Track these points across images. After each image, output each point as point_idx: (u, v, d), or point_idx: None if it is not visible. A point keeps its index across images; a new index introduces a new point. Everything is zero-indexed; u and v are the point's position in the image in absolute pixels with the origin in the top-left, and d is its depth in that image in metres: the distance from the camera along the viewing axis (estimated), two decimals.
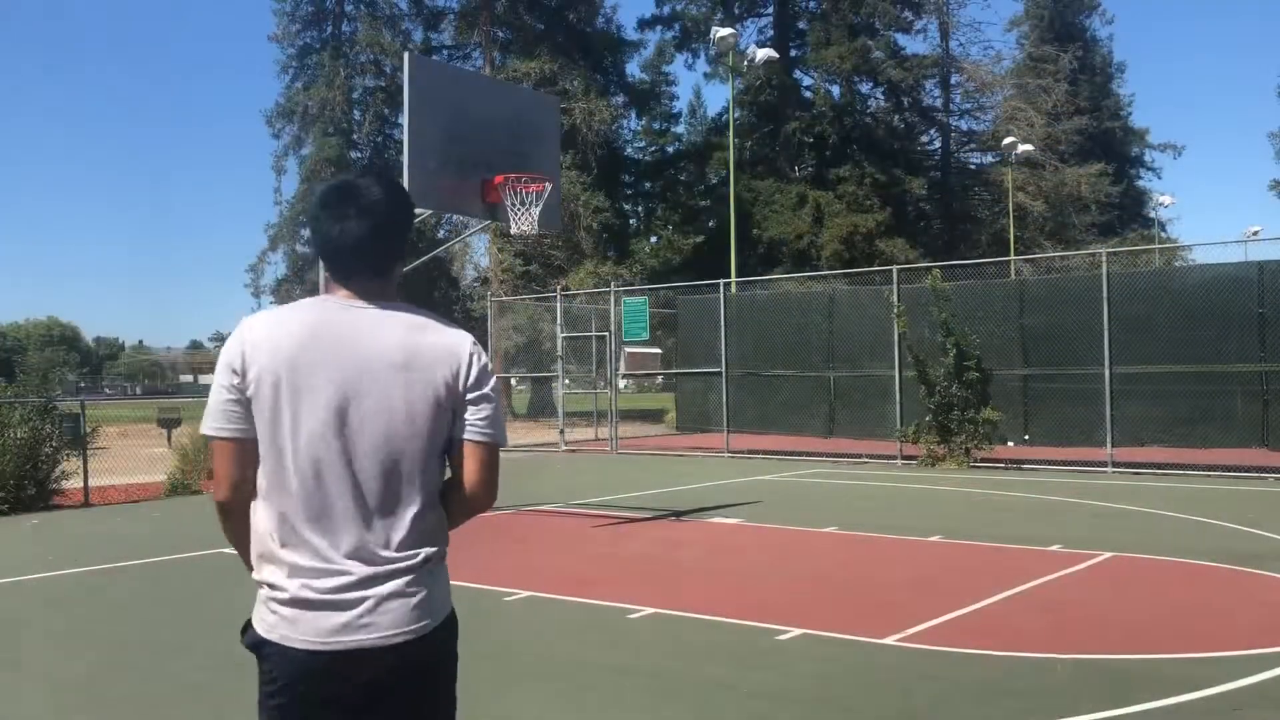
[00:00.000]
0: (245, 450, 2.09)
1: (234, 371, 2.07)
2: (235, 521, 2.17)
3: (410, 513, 2.10)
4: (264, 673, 2.11)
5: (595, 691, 5.03)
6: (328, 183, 2.21)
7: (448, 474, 2.21)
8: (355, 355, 2.07)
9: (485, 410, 2.15)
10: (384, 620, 2.05)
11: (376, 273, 2.15)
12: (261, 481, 2.09)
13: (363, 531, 2.07)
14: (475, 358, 2.16)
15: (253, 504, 2.11)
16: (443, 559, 2.18)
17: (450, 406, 2.14)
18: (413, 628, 2.08)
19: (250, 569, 2.15)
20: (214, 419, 2.09)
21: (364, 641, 2.04)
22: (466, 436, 2.15)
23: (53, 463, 13.02)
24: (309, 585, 2.04)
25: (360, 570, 2.05)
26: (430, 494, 2.14)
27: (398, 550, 2.08)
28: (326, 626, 2.04)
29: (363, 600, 2.05)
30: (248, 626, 2.15)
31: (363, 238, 2.12)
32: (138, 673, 5.51)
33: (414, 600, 2.08)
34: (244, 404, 2.08)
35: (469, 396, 2.14)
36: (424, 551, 2.11)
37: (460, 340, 2.17)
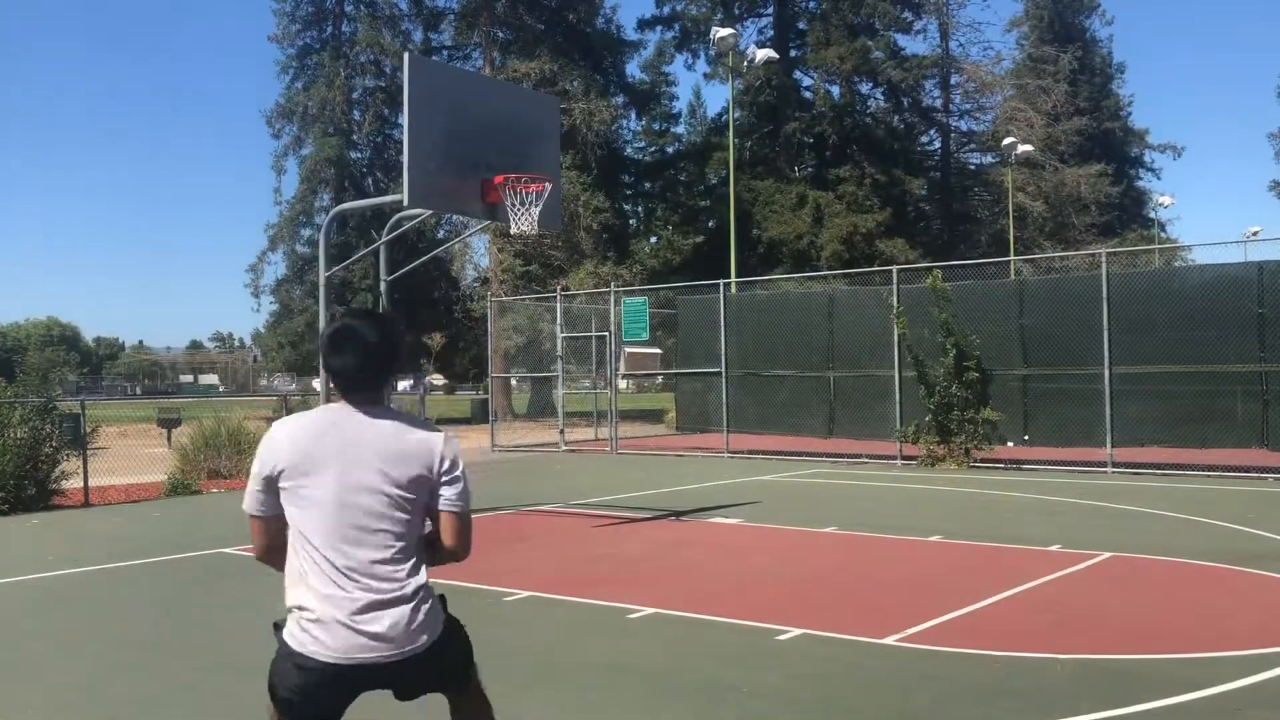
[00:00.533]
0: (271, 525, 2.85)
1: (264, 462, 2.82)
2: (271, 563, 2.91)
3: (402, 556, 2.78)
4: (289, 668, 2.72)
5: (595, 691, 5.03)
6: (334, 324, 2.93)
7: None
8: (355, 449, 2.78)
9: (457, 488, 2.87)
10: (392, 640, 2.71)
11: (369, 390, 2.87)
12: (295, 534, 2.79)
13: (371, 570, 2.73)
14: (447, 449, 2.86)
15: (290, 547, 2.80)
16: (430, 588, 2.83)
17: (429, 483, 2.83)
18: (414, 645, 2.74)
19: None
20: (250, 501, 2.86)
21: (374, 658, 2.70)
22: (443, 509, 2.86)
23: (53, 463, 13.01)
24: (331, 612, 2.69)
25: (368, 598, 2.71)
26: (415, 542, 2.82)
27: (395, 583, 2.74)
28: (347, 644, 2.69)
29: (374, 622, 2.70)
30: (280, 626, 2.79)
31: (358, 368, 2.85)
32: (137, 673, 5.51)
33: (415, 622, 2.74)
34: (272, 492, 2.81)
35: (443, 480, 2.84)
36: (414, 582, 2.78)
37: (434, 438, 2.87)
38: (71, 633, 6.45)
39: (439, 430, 2.92)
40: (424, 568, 2.82)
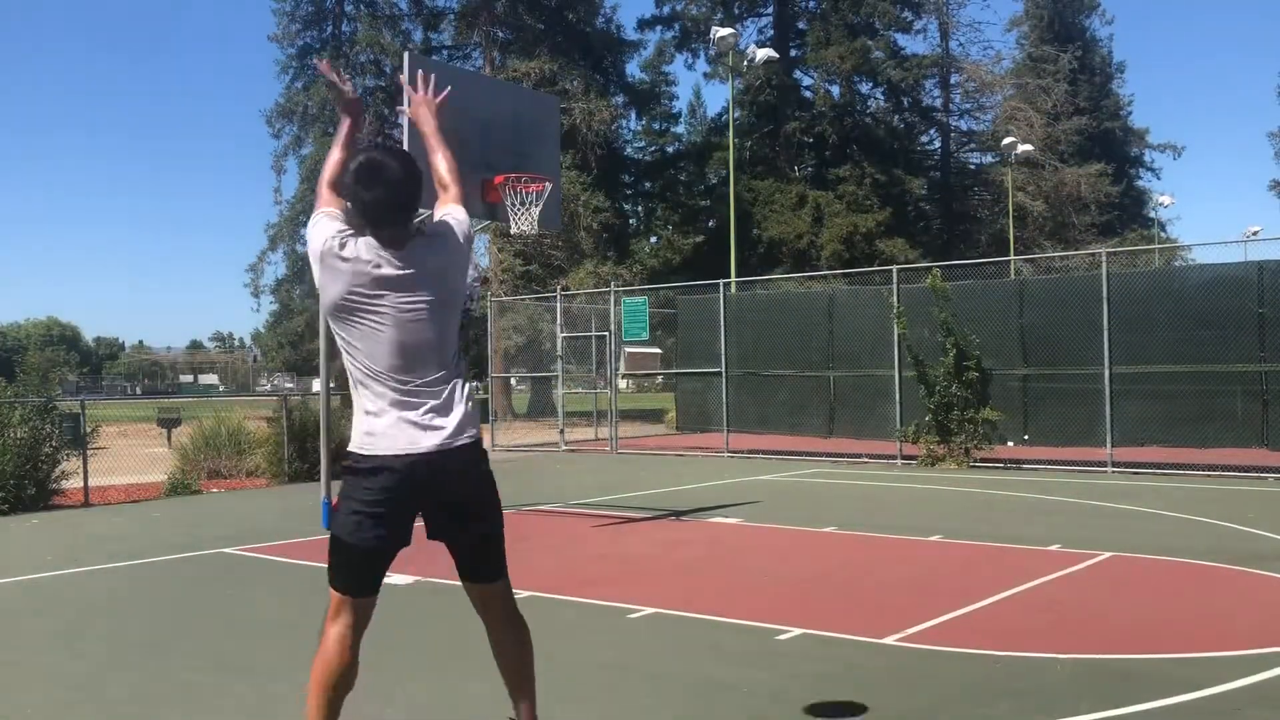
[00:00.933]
0: None
1: (326, 293, 3.13)
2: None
3: (451, 363, 3.15)
4: (357, 486, 3.07)
5: (595, 691, 5.03)
6: (357, 160, 3.07)
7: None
8: (402, 281, 3.04)
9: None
10: (447, 428, 3.09)
11: (395, 224, 3.06)
12: (353, 359, 3.10)
13: (427, 381, 3.10)
14: (456, 227, 3.25)
15: (350, 370, 3.13)
16: (469, 387, 3.25)
17: (469, 261, 3.31)
18: (466, 435, 3.13)
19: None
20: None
21: (436, 444, 3.06)
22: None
23: (53, 462, 13.01)
24: (397, 414, 3.06)
25: (428, 403, 3.08)
26: (458, 342, 3.21)
27: (448, 386, 3.13)
28: (412, 438, 3.06)
29: (435, 418, 3.08)
30: (345, 457, 3.13)
31: (383, 201, 3.03)
32: (137, 673, 5.51)
33: (465, 415, 3.14)
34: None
35: (471, 239, 3.32)
36: (459, 382, 3.16)
37: (442, 232, 3.20)
38: (71, 633, 6.45)
39: (447, 225, 3.21)
40: (464, 367, 3.27)
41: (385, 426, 3.06)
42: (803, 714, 4.63)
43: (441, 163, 3.47)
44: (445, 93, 3.62)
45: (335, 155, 3.31)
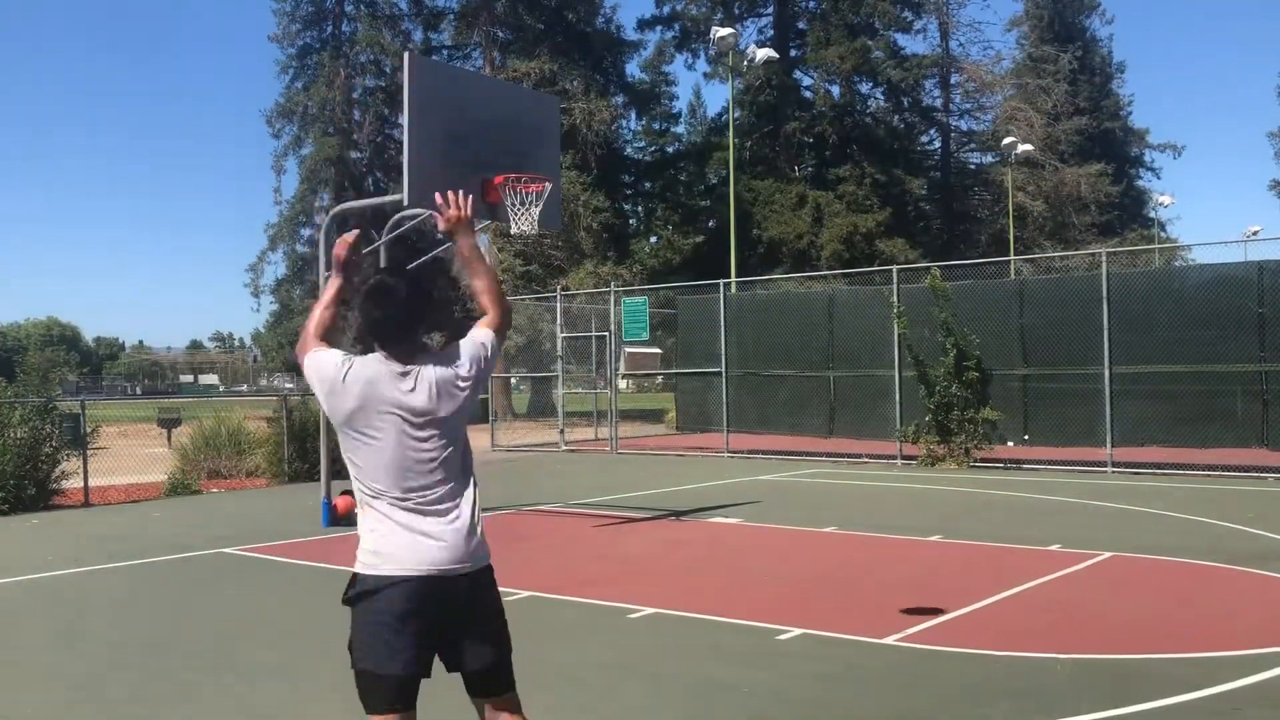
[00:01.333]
0: None
1: (333, 410, 3.12)
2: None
3: (463, 483, 3.11)
4: (369, 610, 2.97)
5: (595, 691, 5.03)
6: (369, 282, 3.18)
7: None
8: (409, 399, 3.06)
9: (492, 354, 3.26)
10: (460, 548, 3.03)
11: (407, 342, 3.13)
12: (358, 478, 3.08)
13: (435, 500, 3.04)
14: (476, 354, 3.21)
15: (362, 483, 3.07)
16: (479, 510, 3.17)
17: (476, 385, 3.17)
18: (479, 561, 3.08)
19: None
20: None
21: (447, 567, 3.00)
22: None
23: (53, 463, 13.01)
24: (404, 534, 3.00)
25: (435, 524, 3.02)
26: (468, 459, 3.16)
27: (456, 506, 3.07)
28: (421, 557, 2.98)
29: (443, 537, 3.01)
30: (351, 585, 3.01)
31: (390, 322, 3.11)
32: (137, 673, 5.51)
33: (477, 537, 3.08)
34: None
35: (483, 363, 3.20)
36: (469, 503, 3.10)
37: (453, 354, 3.18)
38: (71, 633, 6.45)
39: (457, 345, 3.22)
40: (475, 486, 3.18)
41: (393, 547, 3.01)
42: (801, 714, 4.63)
43: (480, 285, 3.42)
44: (470, 203, 3.50)
45: (322, 314, 3.33)
